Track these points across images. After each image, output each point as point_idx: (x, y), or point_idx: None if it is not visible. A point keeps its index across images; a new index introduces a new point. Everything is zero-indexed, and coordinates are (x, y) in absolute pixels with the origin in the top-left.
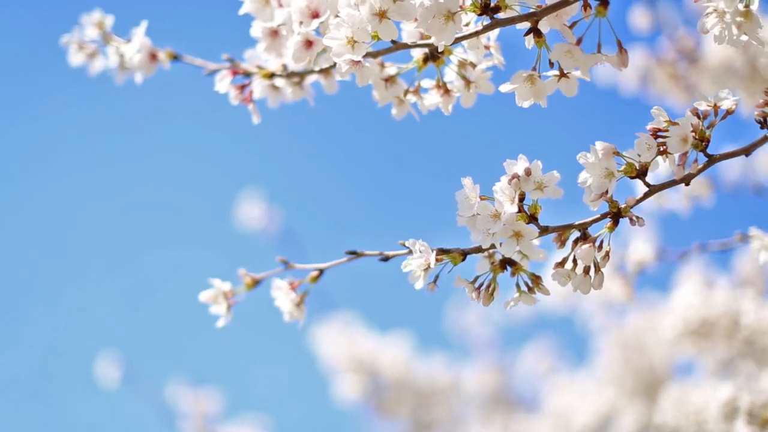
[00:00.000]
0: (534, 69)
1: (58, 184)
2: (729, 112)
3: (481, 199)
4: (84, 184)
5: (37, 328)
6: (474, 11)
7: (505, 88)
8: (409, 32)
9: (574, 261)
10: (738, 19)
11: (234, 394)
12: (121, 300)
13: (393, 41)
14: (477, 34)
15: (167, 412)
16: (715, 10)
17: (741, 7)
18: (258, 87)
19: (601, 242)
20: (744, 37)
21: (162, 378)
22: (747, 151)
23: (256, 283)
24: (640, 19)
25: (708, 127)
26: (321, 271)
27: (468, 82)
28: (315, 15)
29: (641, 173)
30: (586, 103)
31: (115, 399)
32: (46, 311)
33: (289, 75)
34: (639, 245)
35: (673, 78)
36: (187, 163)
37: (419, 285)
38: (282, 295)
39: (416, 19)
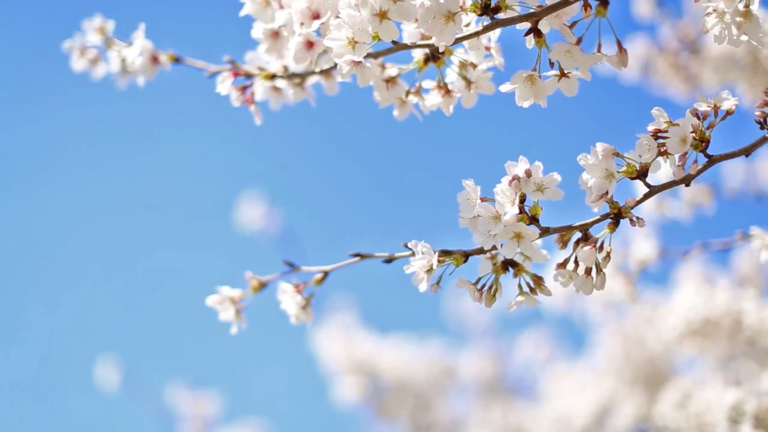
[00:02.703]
0: (534, 69)
1: (58, 184)
2: (729, 113)
3: (482, 200)
4: (84, 184)
5: (37, 330)
6: (474, 11)
7: (505, 88)
8: (409, 33)
9: (576, 262)
10: (738, 19)
11: (233, 396)
12: (121, 302)
13: (394, 42)
14: (477, 34)
15: (166, 414)
16: (715, 10)
17: (741, 7)
18: (260, 88)
19: (602, 243)
20: (744, 37)
21: (161, 380)
22: (747, 152)
23: (263, 286)
24: (642, 8)
25: (708, 128)
26: (326, 273)
27: (469, 83)
28: (316, 16)
29: (642, 174)
30: (586, 93)
31: (115, 402)
32: (45, 313)
33: (290, 76)
34: (641, 244)
35: (674, 68)
36: (188, 165)
37: (423, 287)
38: (288, 299)
39: (417, 20)
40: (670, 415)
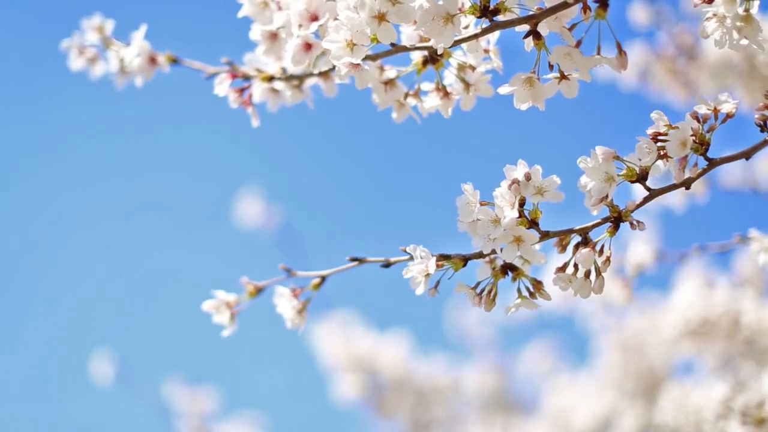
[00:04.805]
0: (533, 71)
1: (59, 184)
2: (729, 116)
3: (482, 204)
4: (83, 183)
5: (36, 328)
6: (473, 14)
7: (503, 90)
8: (408, 35)
9: (575, 266)
10: (738, 23)
11: (231, 393)
12: (119, 299)
13: (392, 44)
14: (476, 36)
15: (164, 410)
16: (715, 15)
17: (741, 11)
18: (257, 90)
19: (602, 247)
20: (744, 42)
21: (159, 377)
22: (747, 155)
23: (259, 291)
24: (639, 14)
25: (708, 131)
26: (323, 278)
27: (467, 85)
28: (314, 18)
29: (641, 177)
30: (585, 99)
31: (113, 398)
32: (44, 310)
33: (288, 78)
34: (638, 247)
35: (672, 73)
36: (186, 162)
37: (420, 291)
38: (284, 303)
39: (415, 22)
40: (670, 414)
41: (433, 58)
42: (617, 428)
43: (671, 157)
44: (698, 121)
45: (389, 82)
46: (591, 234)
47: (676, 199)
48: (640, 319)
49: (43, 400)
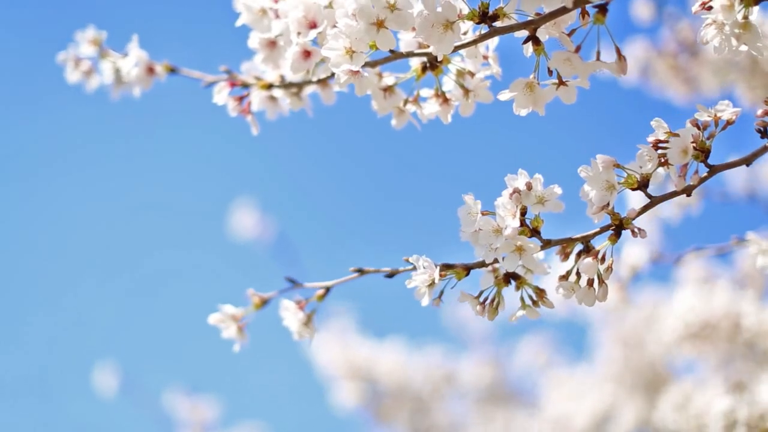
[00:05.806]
0: (533, 76)
1: (58, 184)
2: (729, 123)
3: (483, 214)
4: (83, 183)
5: (36, 334)
6: (472, 20)
7: (503, 96)
8: (407, 41)
9: (578, 274)
10: (737, 30)
11: (231, 401)
12: (118, 306)
13: (391, 51)
14: (475, 42)
15: (165, 419)
16: (714, 22)
17: (740, 18)
18: (256, 98)
19: (604, 254)
20: (744, 48)
21: (159, 386)
22: (748, 161)
23: (265, 302)
24: (641, 10)
25: (708, 138)
26: (327, 289)
27: (467, 91)
28: (313, 25)
29: (642, 185)
30: (586, 96)
31: (113, 407)
32: (44, 316)
33: (287, 86)
34: (633, 249)
35: (673, 70)
36: (187, 164)
37: (425, 302)
38: (290, 315)
39: (414, 29)
40: (670, 417)
41: (432, 65)
42: (617, 423)
43: (672, 165)
44: (698, 129)
45: (388, 89)
46: (593, 242)
47: (671, 212)
48: (640, 315)
49: (43, 402)
